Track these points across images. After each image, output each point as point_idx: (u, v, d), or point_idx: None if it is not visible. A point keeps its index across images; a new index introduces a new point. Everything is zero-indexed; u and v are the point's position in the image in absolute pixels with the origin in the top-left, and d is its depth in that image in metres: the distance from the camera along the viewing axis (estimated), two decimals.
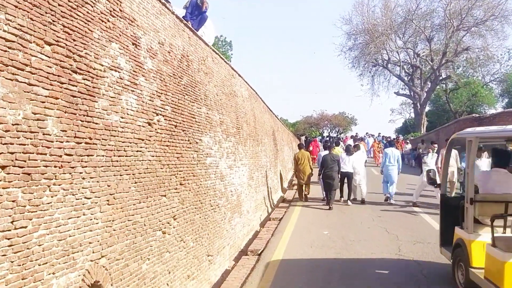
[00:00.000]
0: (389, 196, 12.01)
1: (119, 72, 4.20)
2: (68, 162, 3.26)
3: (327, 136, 39.13)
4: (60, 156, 3.18)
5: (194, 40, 6.78)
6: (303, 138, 40.00)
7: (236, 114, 9.20)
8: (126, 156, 4.18)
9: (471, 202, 4.98)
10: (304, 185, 12.72)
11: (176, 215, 5.30)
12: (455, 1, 26.42)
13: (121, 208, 4.01)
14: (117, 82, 4.14)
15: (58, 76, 3.23)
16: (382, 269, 6.30)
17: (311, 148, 24.95)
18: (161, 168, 4.98)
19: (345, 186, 12.10)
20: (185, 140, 5.86)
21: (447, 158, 6.52)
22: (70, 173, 3.26)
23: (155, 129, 4.91)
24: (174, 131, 5.49)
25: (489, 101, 39.61)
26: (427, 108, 33.41)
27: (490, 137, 6.07)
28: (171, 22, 5.83)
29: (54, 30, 3.26)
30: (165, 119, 5.23)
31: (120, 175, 4.05)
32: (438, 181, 6.49)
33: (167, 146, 5.22)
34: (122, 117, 4.17)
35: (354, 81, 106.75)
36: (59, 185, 3.13)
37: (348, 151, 12.48)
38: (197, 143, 6.34)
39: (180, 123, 5.70)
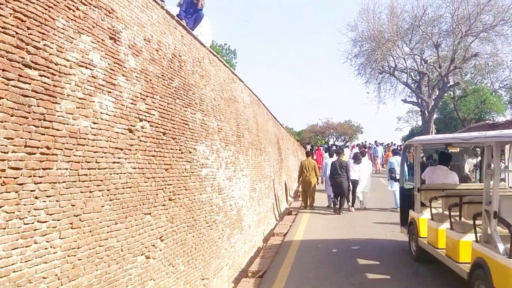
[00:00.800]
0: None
1: (91, 69, 3.56)
2: (14, 178, 2.59)
3: (332, 145, 38.43)
4: (3, 170, 2.52)
5: (188, 40, 6.15)
6: (308, 146, 39.48)
7: (237, 121, 8.55)
8: (98, 169, 3.51)
9: (418, 191, 7.01)
10: (308, 193, 12.83)
11: (164, 235, 4.62)
12: (463, 6, 25.73)
13: (90, 231, 3.33)
14: (88, 81, 3.49)
15: (3, 70, 2.59)
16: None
17: (315, 157, 24.46)
18: (145, 182, 4.31)
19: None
20: (176, 150, 5.20)
21: (403, 159, 8.62)
22: (16, 192, 2.59)
23: (138, 137, 4.25)
24: (162, 139, 4.82)
25: (498, 109, 38.84)
26: (435, 116, 32.63)
27: (430, 144, 8.75)
28: (160, 18, 5.20)
29: (0, 15, 2.63)
30: (151, 126, 4.57)
31: (90, 192, 3.38)
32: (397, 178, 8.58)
33: (153, 156, 4.55)
34: (94, 123, 3.52)
35: (360, 88, 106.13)
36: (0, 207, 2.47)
37: (356, 159, 12.76)
38: (190, 152, 5.68)
39: (169, 130, 5.04)
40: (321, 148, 28.81)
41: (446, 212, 5.81)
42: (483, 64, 27.94)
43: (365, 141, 31.93)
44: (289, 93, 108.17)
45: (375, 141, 28.75)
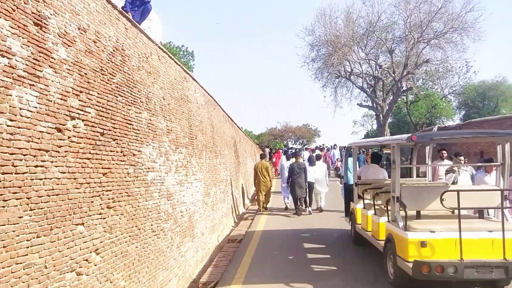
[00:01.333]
0: None
1: (8, 58, 3.06)
2: None
3: (289, 148, 38.60)
4: None
5: (133, 33, 5.68)
6: (267, 150, 39.43)
7: (189, 122, 8.11)
8: (15, 174, 3.01)
9: (355, 185, 8.29)
10: (264, 195, 13.01)
11: (100, 248, 4.12)
12: (416, 14, 26.50)
13: (4, 247, 2.83)
14: (4, 71, 2.99)
15: None
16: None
17: (274, 159, 24.52)
18: (77, 188, 3.81)
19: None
20: (117, 152, 4.72)
21: (346, 159, 9.83)
22: None
23: (69, 137, 3.75)
24: (100, 140, 4.33)
25: (448, 113, 40.49)
26: (389, 120, 33.44)
27: (361, 146, 10.65)
28: (100, 7, 4.71)
29: None
30: (85, 125, 4.07)
31: (4, 201, 2.87)
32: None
33: (88, 159, 4.06)
34: (11, 120, 3.01)
35: (318, 92, 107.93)
36: None
37: (311, 161, 13.05)
38: (134, 155, 5.20)
39: (109, 130, 4.55)
40: (281, 151, 28.79)
41: (377, 202, 7.09)
42: (434, 70, 28.88)
43: (323, 144, 32.28)
44: (249, 96, 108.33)
45: (334, 144, 29.16)
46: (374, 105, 31.23)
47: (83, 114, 4.04)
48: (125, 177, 4.85)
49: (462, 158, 8.75)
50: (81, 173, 3.90)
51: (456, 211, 5.29)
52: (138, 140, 5.36)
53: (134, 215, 5.01)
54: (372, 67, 30.87)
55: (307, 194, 12.39)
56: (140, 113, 5.54)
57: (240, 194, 14.49)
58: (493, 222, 5.65)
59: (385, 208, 6.41)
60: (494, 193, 5.65)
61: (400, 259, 5.43)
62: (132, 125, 5.24)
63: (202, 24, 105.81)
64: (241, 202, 14.67)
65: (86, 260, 3.86)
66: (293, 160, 13.55)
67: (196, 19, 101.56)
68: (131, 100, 5.28)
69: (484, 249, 5.15)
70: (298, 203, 12.09)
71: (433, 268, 5.00)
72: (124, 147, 4.92)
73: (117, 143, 4.73)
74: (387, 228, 6.13)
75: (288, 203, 13.22)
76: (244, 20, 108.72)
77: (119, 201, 4.63)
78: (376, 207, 7.00)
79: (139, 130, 5.43)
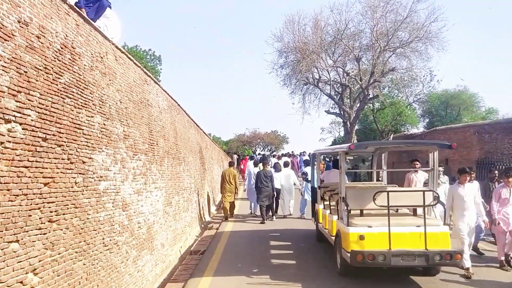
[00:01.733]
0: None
1: None
2: None
3: (258, 154, 38.46)
4: None
5: (86, 30, 5.24)
6: (235, 156, 39.11)
7: (150, 127, 7.68)
8: None
9: (319, 188, 9.18)
10: (229, 203, 12.94)
11: (38, 267, 3.67)
12: (382, 23, 26.93)
13: None
14: None
15: None
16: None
17: (242, 166, 24.32)
18: (11, 201, 3.36)
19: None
20: (62, 159, 4.27)
21: (313, 164, 10.54)
22: None
23: (2, 143, 3.31)
24: (42, 146, 3.89)
25: (412, 121, 41.44)
26: (356, 127, 33.83)
27: (323, 153, 11.65)
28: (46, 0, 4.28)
29: None
30: (24, 129, 3.63)
31: None
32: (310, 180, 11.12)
33: (26, 167, 3.61)
34: None
35: (286, 99, 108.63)
36: None
37: (276, 168, 13.26)
38: (84, 162, 4.75)
39: (53, 135, 4.11)
40: (248, 157, 28.57)
41: (332, 203, 7.94)
42: (399, 78, 29.43)
43: (293, 151, 32.34)
44: (218, 102, 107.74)
45: (304, 151, 29.19)
46: (342, 112, 31.51)
47: (21, 117, 3.60)
48: (72, 187, 4.40)
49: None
50: (16, 183, 3.45)
51: (398, 210, 7.11)
52: (89, 146, 4.92)
53: (82, 228, 4.55)
54: (339, 75, 31.17)
55: (273, 200, 12.50)
56: (92, 116, 5.10)
57: (205, 202, 14.07)
58: (422, 219, 6.32)
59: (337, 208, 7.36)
60: (428, 193, 6.59)
61: (344, 250, 6.41)
62: (82, 129, 4.80)
63: (170, 28, 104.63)
64: (207, 211, 14.25)
65: (21, 282, 3.40)
66: (260, 166, 13.46)
67: (164, 23, 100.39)
68: (81, 102, 4.84)
69: (411, 241, 6.13)
70: (264, 210, 12.05)
71: (366, 257, 5.99)
72: (72, 154, 4.47)
73: (63, 150, 4.29)
74: (337, 225, 7.07)
75: (254, 210, 13.37)
76: (214, 26, 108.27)
77: (63, 214, 4.18)
78: (331, 207, 7.90)
79: (90, 135, 4.99)
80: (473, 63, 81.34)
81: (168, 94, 9.73)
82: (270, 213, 12.45)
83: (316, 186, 9.60)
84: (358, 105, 30.62)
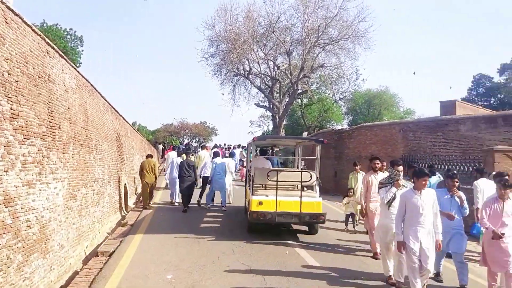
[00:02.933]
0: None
1: None
2: None
3: (185, 145, 37.29)
4: None
5: None
6: (160, 146, 37.53)
7: (50, 107, 6.50)
8: None
9: (248, 172, 11.13)
10: (148, 193, 12.92)
11: None
12: (313, 18, 27.00)
13: None
14: None
15: None
16: None
17: (166, 157, 23.44)
18: None
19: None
20: None
21: (248, 153, 12.46)
22: None
23: None
24: None
25: (337, 118, 42.69)
26: (285, 121, 33.92)
27: (259, 144, 13.72)
28: None
29: None
30: None
31: None
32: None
33: None
34: None
35: (216, 90, 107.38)
36: None
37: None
38: None
39: None
40: (172, 147, 27.36)
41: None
42: (328, 75, 29.85)
43: (225, 143, 31.68)
44: (144, 90, 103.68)
45: (239, 144, 28.62)
46: (271, 106, 31.33)
47: None
48: None
49: (400, 168, 6.88)
50: None
51: (298, 187, 9.55)
52: None
53: None
54: (270, 68, 30.92)
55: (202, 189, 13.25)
56: None
57: (122, 195, 12.87)
58: (304, 192, 9.20)
59: (256, 186, 9.79)
60: (305, 173, 9.54)
61: (249, 212, 8.94)
62: None
63: (96, 11, 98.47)
64: (123, 203, 13.06)
65: None
66: (183, 157, 12.84)
67: (90, 4, 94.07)
68: None
69: (292, 206, 8.73)
70: (186, 198, 12.16)
71: (259, 215, 8.63)
72: None
73: None
74: (248, 196, 9.73)
75: (174, 199, 13.43)
76: (143, 11, 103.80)
77: None
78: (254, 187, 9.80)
79: None
80: (394, 65, 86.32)
81: (78, 71, 8.50)
82: (200, 200, 12.86)
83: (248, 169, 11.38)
84: (287, 99, 30.61)
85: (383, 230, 6.37)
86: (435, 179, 9.38)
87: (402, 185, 6.30)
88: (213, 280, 5.99)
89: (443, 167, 12.64)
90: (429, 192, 5.66)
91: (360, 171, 11.17)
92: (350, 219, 10.46)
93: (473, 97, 49.49)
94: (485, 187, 7.75)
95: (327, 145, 17.93)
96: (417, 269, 5.43)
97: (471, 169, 11.54)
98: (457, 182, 6.56)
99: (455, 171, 7.80)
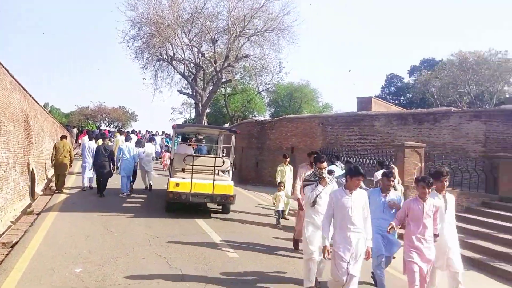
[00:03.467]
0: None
1: None
2: None
3: (99, 130, 35.53)
4: None
5: None
6: (74, 130, 35.38)
7: None
8: None
9: (172, 158, 11.64)
10: (60, 175, 12.87)
11: None
12: (240, 7, 27.01)
13: None
14: None
15: None
16: None
17: (80, 141, 22.57)
18: None
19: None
20: None
21: (173, 139, 13.14)
22: None
23: None
24: None
25: (260, 109, 43.44)
26: (208, 110, 33.73)
27: (182, 132, 15.99)
28: None
29: None
30: None
31: None
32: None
33: None
34: None
35: (137, 74, 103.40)
36: None
37: (139, 143, 13.66)
38: None
39: None
40: (86, 131, 26.01)
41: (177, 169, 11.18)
42: (252, 65, 30.15)
43: (147, 130, 30.66)
44: (59, 70, 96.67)
45: (163, 132, 27.78)
46: (194, 93, 30.92)
47: None
48: None
49: (324, 165, 5.94)
50: None
51: (219, 172, 11.00)
52: None
53: None
54: (194, 55, 30.43)
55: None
56: None
57: (27, 181, 11.93)
58: (218, 176, 10.54)
59: (176, 170, 11.05)
60: (219, 159, 10.85)
61: (167, 193, 10.02)
62: None
63: None
64: (31, 189, 12.13)
65: None
66: (100, 142, 12.46)
67: None
68: None
69: (205, 188, 9.82)
70: (102, 183, 12.31)
71: (175, 195, 9.74)
72: None
73: None
74: (168, 179, 10.65)
75: (87, 184, 13.40)
76: None
77: None
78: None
79: None
80: (315, 59, 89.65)
81: None
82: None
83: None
84: (211, 88, 30.42)
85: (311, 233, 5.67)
86: (338, 171, 8.31)
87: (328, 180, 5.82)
88: (126, 273, 5.80)
89: (358, 160, 13.43)
90: (361, 193, 5.16)
91: (288, 164, 11.13)
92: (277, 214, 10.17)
93: (386, 95, 53.19)
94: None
95: (249, 135, 18.31)
96: (342, 282, 4.92)
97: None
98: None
99: (392, 170, 6.45)
